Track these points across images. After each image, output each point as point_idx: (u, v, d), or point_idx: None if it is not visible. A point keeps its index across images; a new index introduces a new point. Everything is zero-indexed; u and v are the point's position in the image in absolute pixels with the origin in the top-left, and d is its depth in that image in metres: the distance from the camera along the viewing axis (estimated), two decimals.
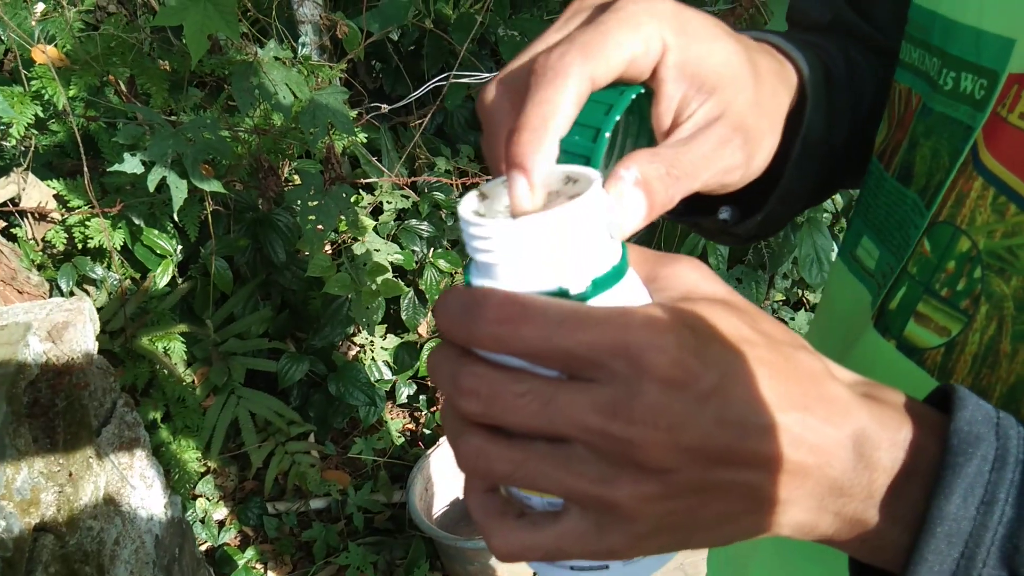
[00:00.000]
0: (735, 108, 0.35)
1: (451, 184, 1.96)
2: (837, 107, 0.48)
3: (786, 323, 2.20)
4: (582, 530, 0.27)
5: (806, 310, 2.22)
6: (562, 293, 0.27)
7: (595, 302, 0.27)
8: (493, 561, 1.76)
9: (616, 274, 0.28)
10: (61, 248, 1.66)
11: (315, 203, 1.55)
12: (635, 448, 0.25)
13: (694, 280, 0.30)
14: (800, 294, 2.22)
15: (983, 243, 0.37)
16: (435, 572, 1.82)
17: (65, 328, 1.12)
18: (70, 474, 1.00)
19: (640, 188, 0.30)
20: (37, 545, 0.93)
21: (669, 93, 0.33)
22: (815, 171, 0.48)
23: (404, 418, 2.21)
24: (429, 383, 2.19)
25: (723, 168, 0.35)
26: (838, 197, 2.01)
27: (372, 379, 1.99)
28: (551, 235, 0.26)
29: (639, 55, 0.31)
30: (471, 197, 0.29)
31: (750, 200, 0.48)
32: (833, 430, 0.27)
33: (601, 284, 0.27)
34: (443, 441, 1.95)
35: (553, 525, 0.28)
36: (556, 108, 0.29)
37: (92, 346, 1.17)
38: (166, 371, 1.65)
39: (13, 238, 1.65)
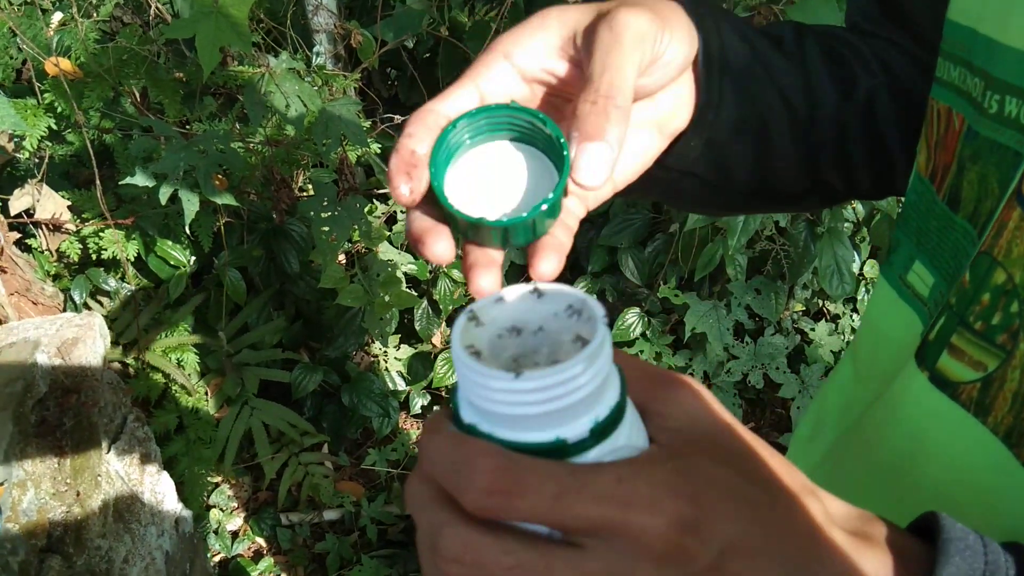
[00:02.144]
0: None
1: None
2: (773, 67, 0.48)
3: (806, 334, 2.16)
4: None
5: (826, 320, 2.18)
6: (559, 444, 0.26)
7: (595, 452, 0.27)
8: None
9: (615, 417, 0.27)
10: (75, 259, 1.66)
11: (328, 214, 1.54)
12: None
13: (694, 412, 0.29)
14: (820, 304, 2.18)
15: (1019, 277, 0.35)
16: None
17: (75, 344, 1.12)
18: (78, 493, 1.00)
19: (590, 142, 0.32)
20: (44, 567, 0.92)
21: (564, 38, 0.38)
22: (755, 107, 0.47)
23: (418, 429, 2.20)
24: (444, 394, 2.18)
25: (652, 60, 0.37)
26: (859, 206, 1.97)
27: (386, 390, 1.98)
28: (554, 390, 0.26)
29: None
30: (463, 324, 0.28)
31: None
32: None
33: (601, 432, 0.27)
34: None
35: None
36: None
37: (102, 362, 1.16)
38: (179, 383, 1.64)
39: (28, 249, 1.65)
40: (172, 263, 1.68)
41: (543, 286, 0.29)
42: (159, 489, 1.28)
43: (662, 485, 0.25)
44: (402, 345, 2.07)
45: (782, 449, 0.42)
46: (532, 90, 0.39)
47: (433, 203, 0.34)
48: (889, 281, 0.51)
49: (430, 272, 1.93)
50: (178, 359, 1.64)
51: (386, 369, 2.04)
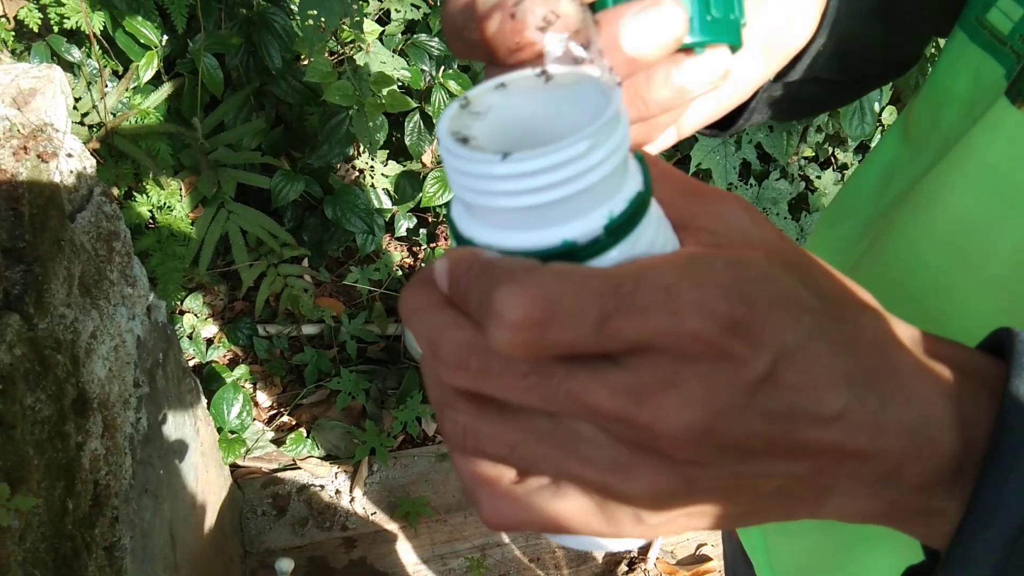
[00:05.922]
0: None
1: None
2: None
3: (811, 182, 2.08)
4: (587, 511, 0.24)
5: (834, 169, 2.10)
6: (568, 248, 0.22)
7: (614, 254, 0.22)
8: None
9: (636, 211, 0.22)
10: (35, 29, 1.50)
11: None
12: (660, 438, 0.22)
13: (745, 227, 0.25)
14: (830, 151, 2.09)
15: None
16: (427, 404, 1.78)
17: (32, 96, 0.99)
18: (37, 253, 0.91)
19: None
20: (1, 324, 0.84)
21: None
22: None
23: (403, 252, 2.12)
24: (430, 218, 2.09)
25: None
26: None
27: (371, 206, 1.88)
28: (553, 173, 0.21)
29: None
30: (453, 111, 0.24)
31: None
32: (896, 409, 0.24)
33: (617, 230, 0.22)
34: None
35: (554, 500, 0.25)
36: None
37: (64, 121, 1.04)
38: (151, 173, 1.53)
39: None
40: (143, 42, 1.52)
41: (553, 68, 0.24)
42: (129, 272, 1.20)
43: (711, 285, 0.21)
44: (390, 161, 1.96)
45: None
46: None
47: None
48: (963, 28, 0.45)
49: (424, 82, 1.79)
50: (148, 148, 1.52)
51: (372, 185, 1.93)
